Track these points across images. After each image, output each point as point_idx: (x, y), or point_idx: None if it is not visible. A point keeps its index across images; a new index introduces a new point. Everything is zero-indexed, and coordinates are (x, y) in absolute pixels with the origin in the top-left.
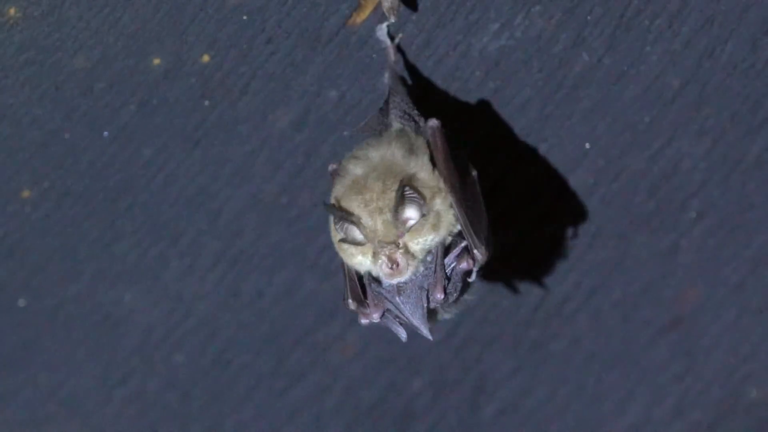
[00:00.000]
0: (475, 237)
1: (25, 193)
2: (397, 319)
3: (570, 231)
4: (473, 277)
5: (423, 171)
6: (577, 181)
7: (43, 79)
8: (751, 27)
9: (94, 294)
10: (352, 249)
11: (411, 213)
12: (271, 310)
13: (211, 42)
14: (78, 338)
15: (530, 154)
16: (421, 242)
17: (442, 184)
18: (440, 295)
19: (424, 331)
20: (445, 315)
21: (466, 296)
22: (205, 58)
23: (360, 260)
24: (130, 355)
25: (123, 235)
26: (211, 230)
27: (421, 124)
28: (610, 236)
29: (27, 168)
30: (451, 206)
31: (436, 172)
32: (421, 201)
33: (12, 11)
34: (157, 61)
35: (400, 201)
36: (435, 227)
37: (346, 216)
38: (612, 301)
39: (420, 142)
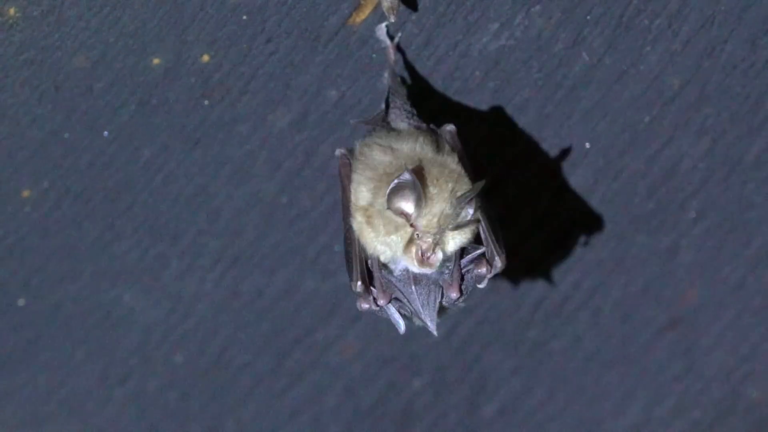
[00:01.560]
0: (496, 245)
1: (25, 193)
2: (401, 310)
3: (570, 231)
4: (484, 284)
5: (465, 174)
6: (577, 181)
7: (43, 79)
8: (751, 27)
9: (94, 294)
10: (386, 227)
11: (469, 210)
12: (270, 310)
13: (211, 42)
14: (78, 338)
15: (530, 154)
16: (458, 240)
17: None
18: (455, 294)
19: (431, 325)
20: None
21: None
22: (205, 57)
23: (390, 241)
24: (130, 355)
25: (123, 235)
26: (211, 230)
27: (422, 126)
28: (610, 236)
29: (27, 168)
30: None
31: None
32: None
33: (11, 11)
34: (156, 61)
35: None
36: (472, 229)
37: (417, 187)
38: (612, 301)
39: (443, 145)
